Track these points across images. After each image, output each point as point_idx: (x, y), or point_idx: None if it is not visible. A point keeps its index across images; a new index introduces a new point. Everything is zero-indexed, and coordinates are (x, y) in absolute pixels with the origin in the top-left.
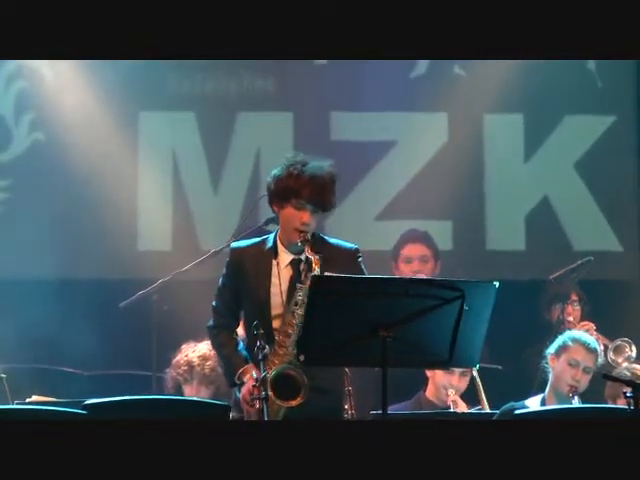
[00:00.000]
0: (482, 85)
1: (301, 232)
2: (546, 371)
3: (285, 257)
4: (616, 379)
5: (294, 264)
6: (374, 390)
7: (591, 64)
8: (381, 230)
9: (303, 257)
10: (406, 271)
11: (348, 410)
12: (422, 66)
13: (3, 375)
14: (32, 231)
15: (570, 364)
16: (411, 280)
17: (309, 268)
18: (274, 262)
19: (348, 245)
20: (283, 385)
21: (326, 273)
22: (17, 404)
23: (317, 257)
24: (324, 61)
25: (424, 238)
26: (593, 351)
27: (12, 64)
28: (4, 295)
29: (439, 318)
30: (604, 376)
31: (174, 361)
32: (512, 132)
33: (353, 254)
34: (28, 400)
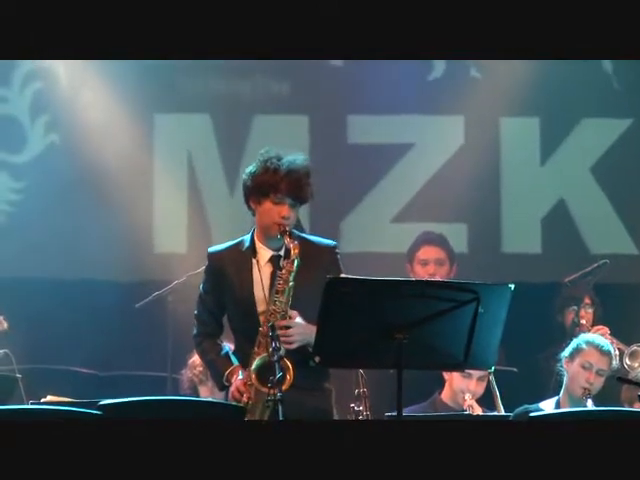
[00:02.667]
0: (498, 88)
1: (280, 225)
2: (561, 374)
3: (264, 254)
4: (630, 381)
5: (274, 260)
6: (389, 392)
7: (607, 66)
8: (397, 232)
9: (282, 252)
10: (422, 273)
11: (363, 412)
12: (439, 69)
13: (18, 375)
14: (47, 233)
15: (584, 367)
16: (426, 282)
17: (287, 254)
18: (254, 261)
19: (326, 242)
20: (268, 373)
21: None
22: (32, 404)
23: (296, 243)
24: (339, 63)
25: (440, 241)
26: (607, 354)
27: (27, 65)
28: (19, 295)
29: (454, 320)
30: (618, 379)
31: (190, 362)
32: (528, 135)
33: (332, 250)
34: (43, 400)
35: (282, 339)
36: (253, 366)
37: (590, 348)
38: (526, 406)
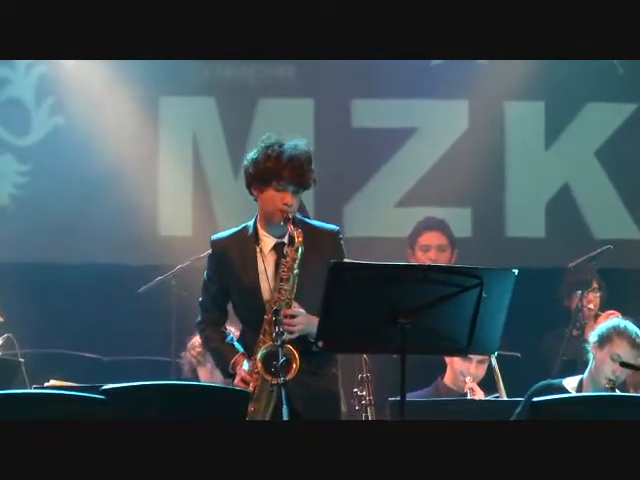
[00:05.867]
0: (503, 73)
1: (283, 212)
2: (587, 352)
3: (268, 242)
4: (634, 366)
5: (277, 248)
6: (392, 377)
7: None
8: (401, 217)
9: (286, 240)
10: (423, 259)
11: (366, 396)
12: None
13: (21, 360)
14: (52, 216)
15: (612, 358)
16: (430, 267)
17: (291, 242)
18: (257, 249)
19: (330, 227)
20: (273, 362)
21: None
22: (35, 389)
23: (299, 230)
24: None
25: (441, 226)
26: (637, 346)
27: None
28: (23, 279)
29: (458, 305)
30: (622, 364)
31: (189, 343)
32: (533, 120)
33: (335, 235)
34: (46, 385)
35: (285, 327)
36: (259, 355)
37: (621, 340)
38: (550, 381)
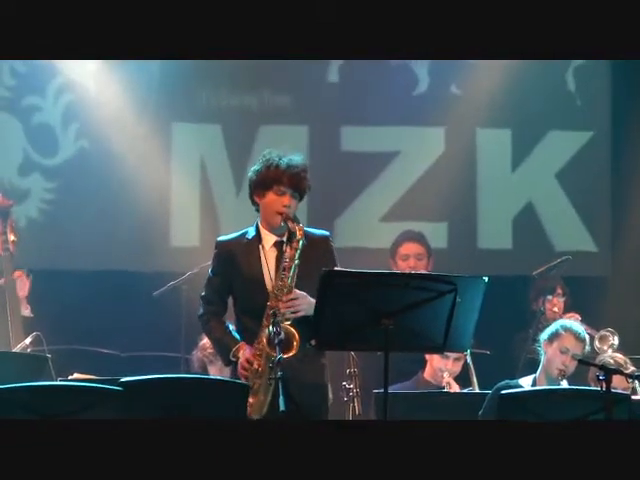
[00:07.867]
0: (475, 103)
1: (282, 213)
2: (539, 353)
3: (269, 240)
4: (589, 364)
5: (277, 245)
6: (377, 371)
7: (571, 85)
8: (385, 230)
9: (285, 238)
10: (403, 267)
11: (353, 389)
12: (423, 85)
13: (48, 355)
14: (76, 228)
15: (561, 351)
16: (410, 275)
17: (293, 235)
18: (260, 246)
19: (321, 232)
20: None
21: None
22: (60, 381)
23: (300, 225)
24: (336, 79)
25: (419, 238)
26: (582, 340)
27: (60, 80)
28: (51, 285)
29: (435, 308)
30: (580, 361)
31: (201, 344)
32: (501, 145)
33: (326, 240)
34: (70, 377)
35: (291, 309)
36: (265, 331)
37: (568, 334)
38: (507, 381)
